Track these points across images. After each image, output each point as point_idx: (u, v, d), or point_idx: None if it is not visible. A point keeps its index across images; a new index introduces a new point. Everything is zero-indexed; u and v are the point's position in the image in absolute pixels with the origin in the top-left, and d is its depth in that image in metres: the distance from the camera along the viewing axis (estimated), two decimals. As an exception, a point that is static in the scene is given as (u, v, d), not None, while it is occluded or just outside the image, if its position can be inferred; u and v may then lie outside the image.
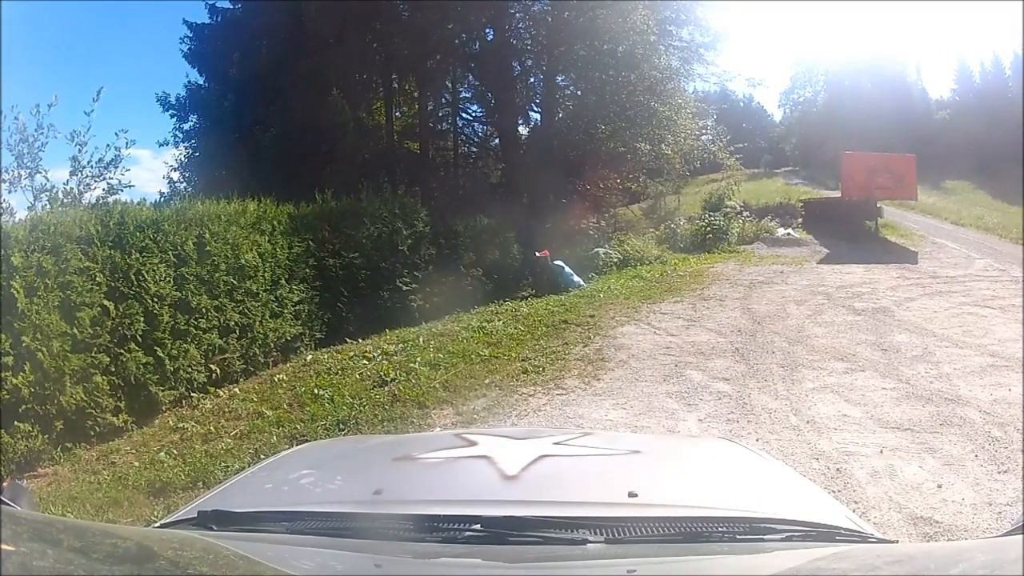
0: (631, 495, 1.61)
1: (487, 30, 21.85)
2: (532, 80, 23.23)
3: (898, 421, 5.80)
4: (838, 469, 4.93)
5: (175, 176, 22.39)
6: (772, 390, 6.87)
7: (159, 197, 19.47)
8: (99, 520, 5.12)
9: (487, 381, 7.78)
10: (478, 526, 1.42)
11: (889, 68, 52.59)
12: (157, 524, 1.86)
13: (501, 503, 1.61)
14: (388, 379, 7.99)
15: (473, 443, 2.19)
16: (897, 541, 1.79)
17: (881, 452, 5.19)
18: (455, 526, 1.45)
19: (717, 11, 21.58)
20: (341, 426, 6.68)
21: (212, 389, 8.66)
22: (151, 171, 61.62)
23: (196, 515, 1.60)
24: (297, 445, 6.25)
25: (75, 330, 7.18)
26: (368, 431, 6.46)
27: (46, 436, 6.72)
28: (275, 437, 6.63)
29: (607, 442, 2.46)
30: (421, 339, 9.83)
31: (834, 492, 4.47)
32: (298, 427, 6.83)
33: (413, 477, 2.02)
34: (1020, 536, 1.27)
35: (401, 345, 9.62)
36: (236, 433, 7.02)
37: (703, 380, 7.32)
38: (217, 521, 1.54)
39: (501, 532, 1.39)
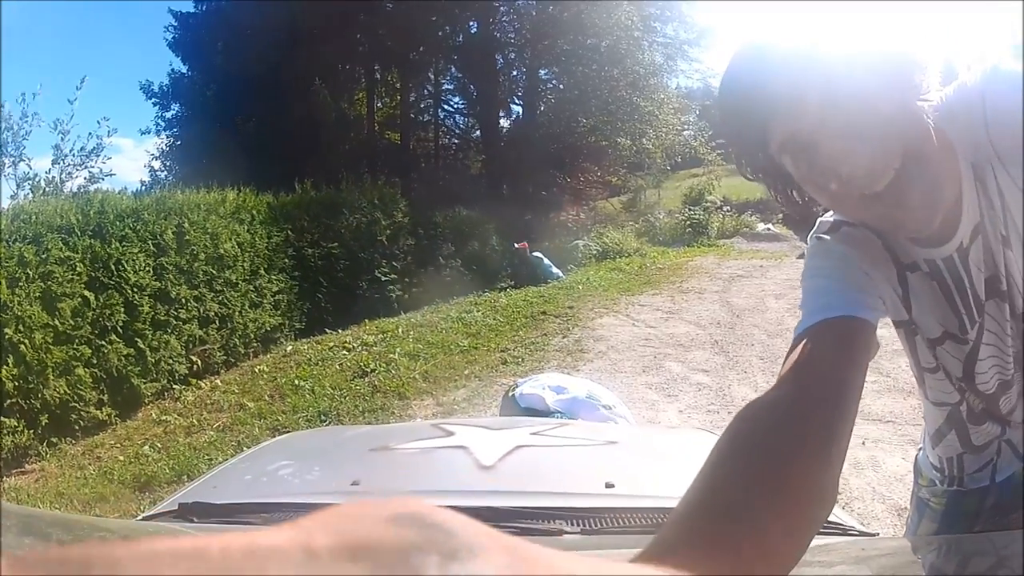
0: (608, 486, 1.61)
1: (471, 23, 21.81)
2: (515, 73, 23.24)
3: (879, 413, 5.83)
4: None
5: (156, 165, 22.42)
6: (752, 382, 6.92)
7: (140, 186, 19.40)
8: (87, 515, 5.08)
9: (467, 372, 7.82)
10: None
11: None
12: (140, 517, 1.88)
13: (477, 493, 1.63)
14: (368, 370, 8.01)
15: (450, 433, 2.19)
16: (877, 534, 1.82)
17: (863, 443, 5.21)
18: None
19: (702, 9, 21.52)
20: (322, 417, 6.72)
21: (194, 381, 8.59)
22: (133, 160, 60.93)
23: (177, 507, 1.61)
24: (277, 436, 6.33)
25: (57, 321, 7.08)
26: (349, 422, 6.49)
27: (32, 431, 6.65)
28: (257, 429, 6.65)
29: (584, 432, 2.45)
30: (400, 330, 9.85)
31: None
32: (280, 419, 6.86)
33: (390, 467, 2.04)
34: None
35: (381, 336, 9.63)
36: (219, 425, 7.04)
37: (682, 372, 7.37)
38: (197, 513, 1.55)
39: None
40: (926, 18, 1.03)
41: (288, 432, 6.18)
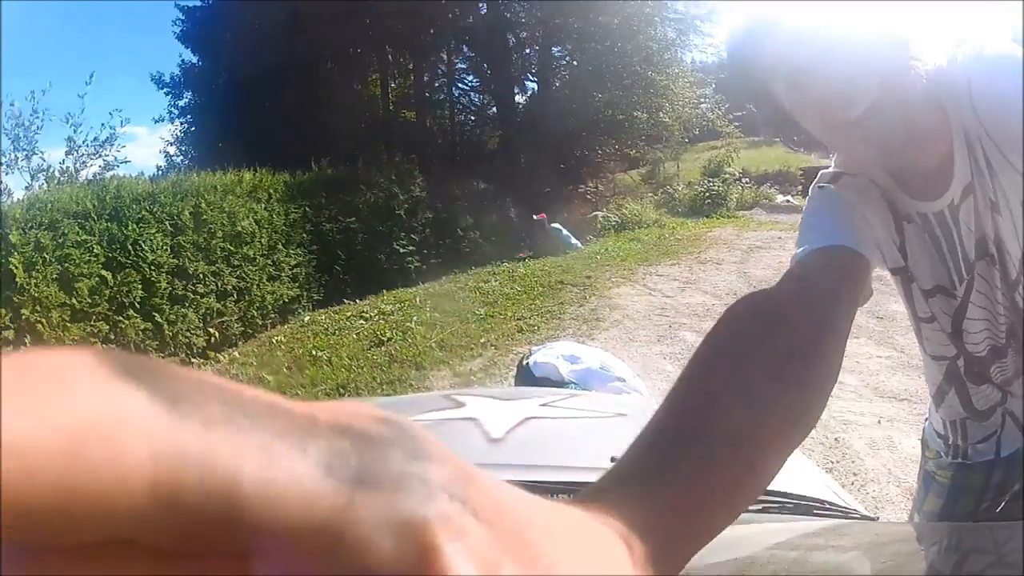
0: (613, 460, 1.59)
1: (480, 4, 21.71)
2: (528, 52, 23.01)
3: (895, 391, 5.69)
4: (836, 439, 4.84)
5: (172, 151, 22.59)
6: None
7: (156, 172, 19.58)
8: None
9: (483, 340, 7.82)
10: None
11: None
12: None
13: (485, 466, 1.61)
14: (385, 339, 8.05)
15: (460, 404, 2.20)
16: (877, 518, 1.78)
17: (879, 423, 5.11)
18: None
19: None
20: (341, 390, 6.75)
21: (212, 354, 8.78)
22: (147, 147, 61.39)
23: None
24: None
25: (74, 300, 7.39)
26: (367, 394, 6.50)
27: None
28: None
29: (593, 404, 2.41)
30: (418, 299, 9.88)
31: (833, 463, 4.46)
32: (298, 392, 6.90)
33: None
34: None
35: (398, 305, 9.67)
36: (236, 398, 7.09)
37: (697, 341, 7.18)
38: None
39: None
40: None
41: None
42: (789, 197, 20.13)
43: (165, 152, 22.84)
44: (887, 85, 0.99)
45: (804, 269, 0.99)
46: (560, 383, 3.70)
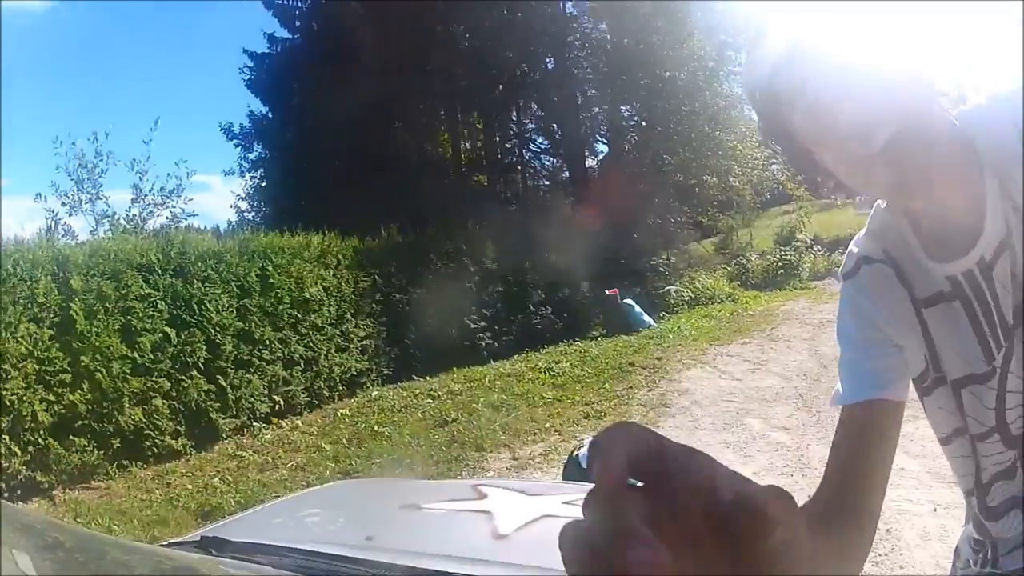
0: None
1: (547, 60, 21.72)
2: (596, 111, 22.89)
3: (953, 476, 5.35)
4: (887, 530, 4.58)
5: (243, 206, 22.53)
6: (831, 442, 6.47)
7: (227, 225, 20.02)
8: (144, 536, 5.28)
9: (547, 425, 7.64)
10: None
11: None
12: (163, 543, 1.99)
13: (483, 563, 1.57)
14: (449, 419, 7.97)
15: (483, 496, 2.17)
16: None
17: (935, 511, 4.88)
18: None
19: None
20: (396, 465, 6.64)
21: (275, 420, 8.81)
22: (221, 197, 62.88)
23: (199, 539, 1.72)
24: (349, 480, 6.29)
25: (135, 354, 7.49)
26: (423, 472, 6.41)
27: (102, 452, 7.03)
28: (329, 472, 6.68)
29: None
30: (487, 379, 9.83)
31: (880, 555, 4.28)
32: (354, 463, 6.86)
33: (408, 527, 2.04)
34: None
35: (468, 384, 9.64)
36: (292, 465, 7.10)
37: (762, 429, 7.01)
38: (216, 546, 1.62)
39: None
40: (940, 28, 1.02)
41: (360, 476, 6.26)
42: (861, 265, 19.63)
43: (236, 207, 22.69)
44: (908, 118, 0.95)
45: (839, 447, 1.16)
46: None
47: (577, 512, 1.18)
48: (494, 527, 1.82)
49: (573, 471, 3.98)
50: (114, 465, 7.11)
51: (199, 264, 8.39)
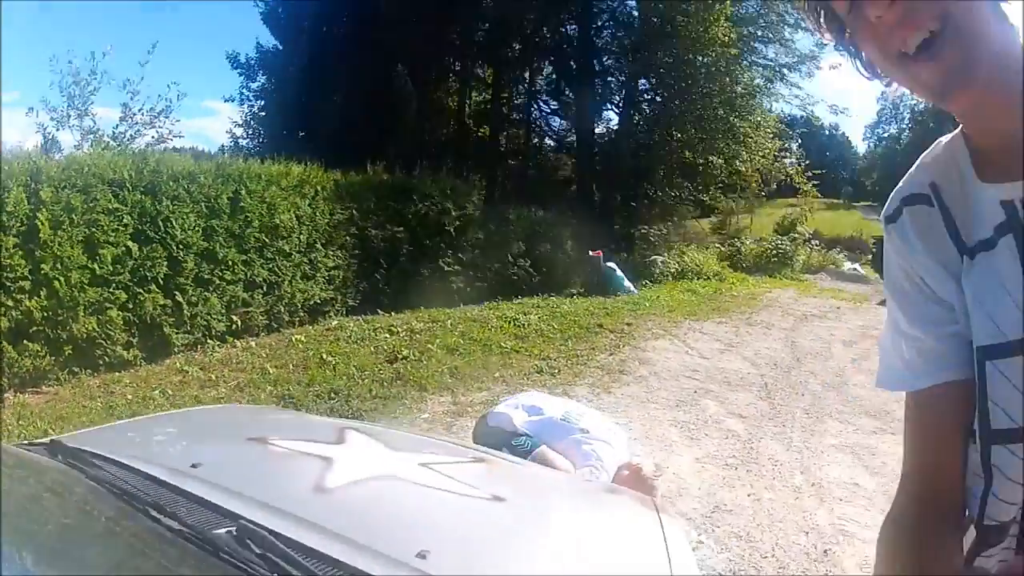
0: (419, 555, 1.34)
1: (571, 25, 21.59)
2: (611, 80, 22.81)
3: None
4: (825, 551, 4.23)
5: (239, 132, 22.82)
6: (787, 438, 6.17)
7: (220, 150, 20.24)
8: None
9: (497, 375, 7.52)
10: (233, 530, 1.26)
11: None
12: (15, 443, 1.96)
13: (281, 514, 1.44)
14: (400, 356, 7.85)
15: (341, 440, 2.05)
16: None
17: None
18: (214, 521, 1.36)
19: (805, 35, 20.82)
20: (333, 394, 6.55)
21: (231, 340, 8.79)
22: (225, 123, 63.09)
23: (49, 442, 1.74)
24: (285, 406, 6.24)
25: (95, 265, 7.49)
26: (358, 404, 6.32)
27: (54, 358, 7.09)
28: (264, 395, 6.60)
29: (482, 479, 2.11)
30: (450, 321, 9.67)
31: None
32: (291, 388, 6.76)
33: (239, 461, 1.95)
34: None
35: (430, 324, 9.50)
36: (234, 384, 7.06)
37: (717, 413, 6.73)
38: (62, 452, 1.65)
39: (238, 545, 1.21)
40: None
41: (293, 402, 6.31)
42: (857, 266, 19.69)
43: (232, 132, 23.11)
44: (952, 24, 0.89)
45: (928, 433, 1.05)
46: (512, 434, 3.64)
47: (422, 477, 1.33)
48: (321, 478, 1.70)
49: (480, 429, 3.91)
50: (65, 372, 7.16)
51: (170, 183, 8.32)
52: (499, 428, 3.72)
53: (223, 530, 1.26)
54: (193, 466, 1.68)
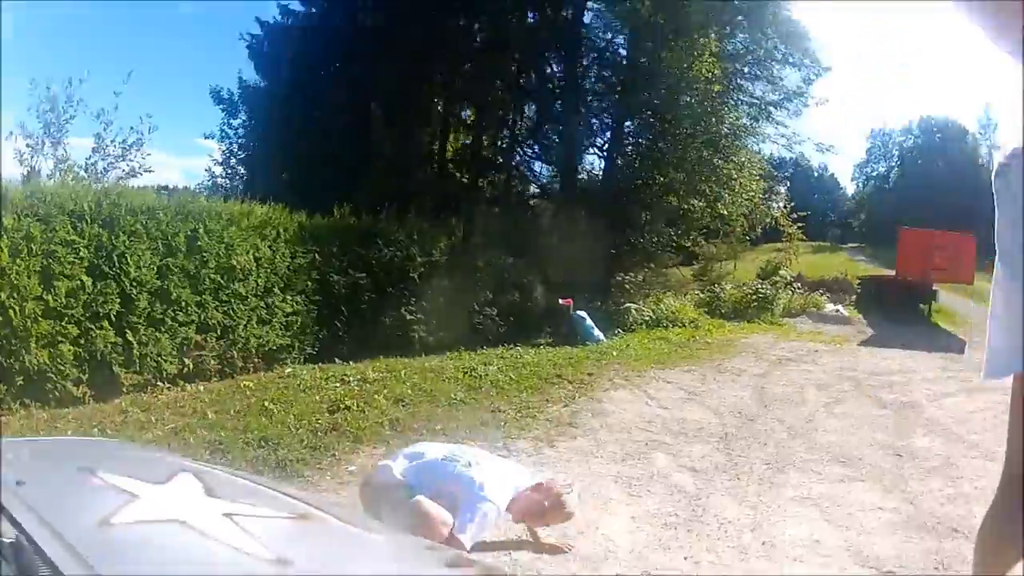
0: None
1: (555, 65, 21.71)
2: (595, 122, 22.87)
3: (881, 557, 4.53)
4: None
5: (218, 170, 22.92)
6: (741, 493, 5.77)
7: (196, 187, 20.40)
8: None
9: (439, 427, 7.32)
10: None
11: (963, 150, 52.31)
12: None
13: (62, 541, 1.38)
14: (343, 406, 7.68)
15: (166, 480, 1.91)
16: None
17: None
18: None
19: (794, 71, 20.92)
20: (263, 443, 6.41)
21: (182, 383, 8.69)
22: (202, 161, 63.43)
23: None
24: (215, 452, 6.18)
25: (49, 296, 7.56)
26: (285, 454, 6.16)
27: (6, 387, 7.20)
28: (196, 439, 6.47)
29: (282, 538, 1.83)
30: (405, 371, 9.50)
31: None
32: (221, 435, 6.61)
33: (54, 489, 1.87)
34: None
35: (385, 374, 9.30)
36: (171, 428, 6.91)
37: (666, 467, 6.38)
38: None
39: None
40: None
41: (222, 449, 6.26)
42: (839, 307, 19.68)
43: (210, 169, 23.24)
44: None
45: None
46: (392, 485, 3.76)
47: (222, 529, 1.28)
48: (113, 513, 1.59)
49: (368, 485, 4.00)
50: (17, 403, 7.20)
51: (128, 217, 8.35)
52: (381, 482, 3.79)
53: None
54: (18, 483, 1.67)
